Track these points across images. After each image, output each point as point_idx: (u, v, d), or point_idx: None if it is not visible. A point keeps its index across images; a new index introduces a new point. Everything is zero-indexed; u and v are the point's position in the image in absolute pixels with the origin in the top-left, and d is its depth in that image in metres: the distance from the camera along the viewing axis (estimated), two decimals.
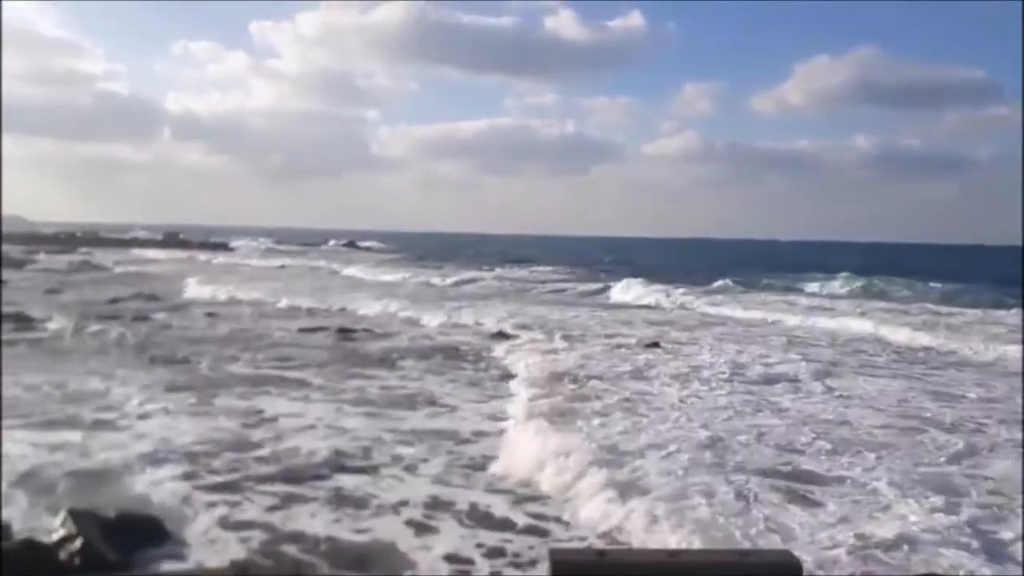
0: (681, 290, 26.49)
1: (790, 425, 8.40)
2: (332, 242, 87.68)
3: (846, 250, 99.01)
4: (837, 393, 10.24)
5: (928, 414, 9.16)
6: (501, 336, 15.44)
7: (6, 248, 54.23)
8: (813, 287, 32.71)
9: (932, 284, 31.68)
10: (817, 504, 6.00)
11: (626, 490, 6.11)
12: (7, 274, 30.44)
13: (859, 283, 32.70)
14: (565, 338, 14.75)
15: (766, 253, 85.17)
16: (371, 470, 6.98)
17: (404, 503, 6.17)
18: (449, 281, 32.38)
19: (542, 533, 5.72)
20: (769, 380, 10.94)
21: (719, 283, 31.65)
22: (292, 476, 6.75)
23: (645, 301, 24.46)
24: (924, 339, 15.77)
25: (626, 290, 27.10)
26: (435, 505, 6.15)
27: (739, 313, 20.99)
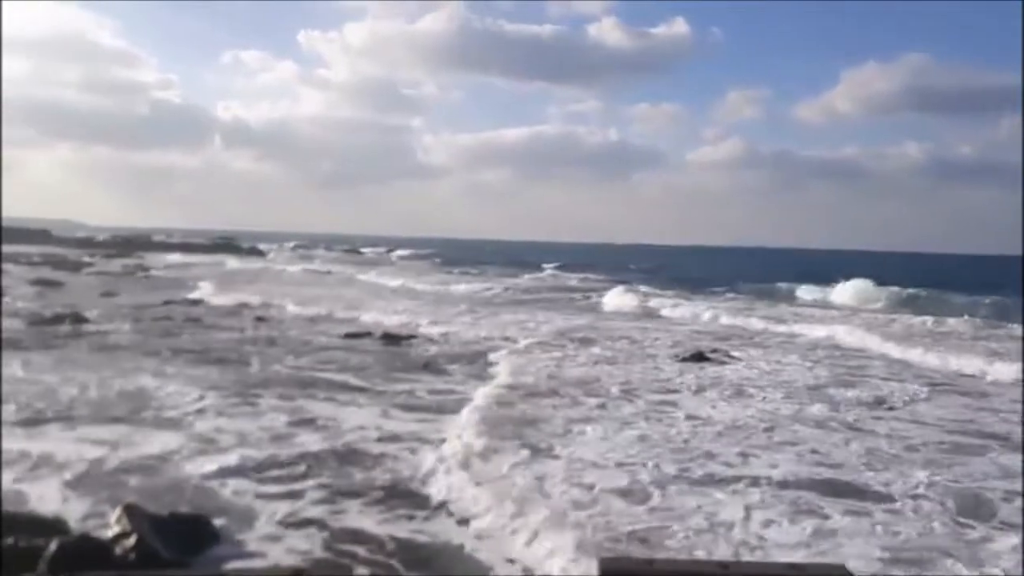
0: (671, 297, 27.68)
1: None
2: (368, 250, 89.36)
3: (892, 260, 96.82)
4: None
5: None
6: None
7: (64, 251, 56.11)
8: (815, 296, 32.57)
9: (975, 297, 30.24)
10: None
11: None
12: (65, 277, 31.48)
13: (875, 293, 31.77)
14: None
15: (803, 261, 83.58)
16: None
17: None
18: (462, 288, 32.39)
19: None
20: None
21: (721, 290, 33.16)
22: (343, 475, 6.83)
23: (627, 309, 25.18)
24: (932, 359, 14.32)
25: (615, 297, 28.04)
26: None
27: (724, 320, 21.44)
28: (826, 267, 64.13)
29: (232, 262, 51.13)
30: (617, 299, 27.46)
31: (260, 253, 71.19)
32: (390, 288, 31.80)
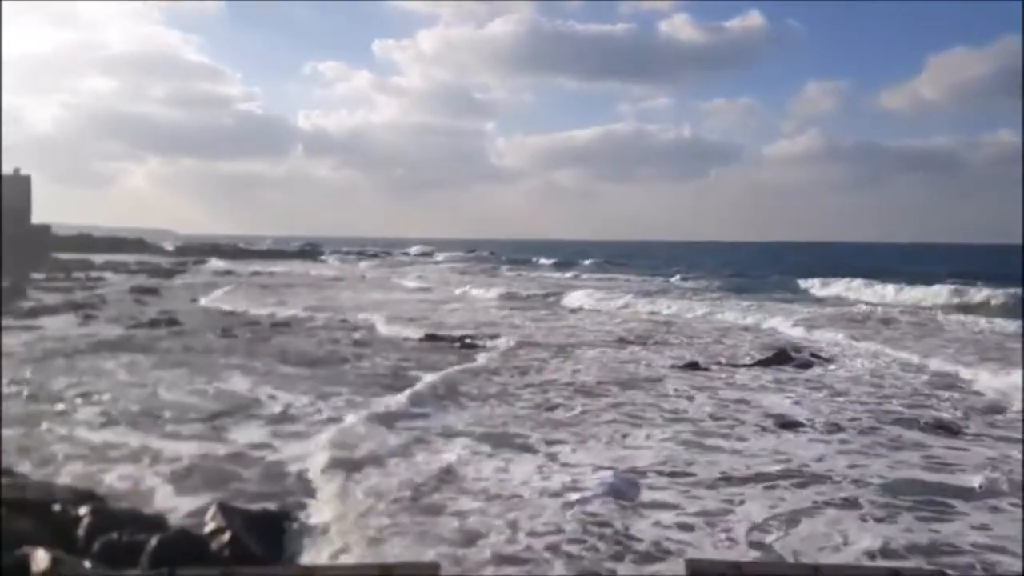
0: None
1: None
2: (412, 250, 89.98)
3: (980, 252, 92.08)
4: None
5: None
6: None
7: (158, 259, 58.82)
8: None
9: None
10: None
11: None
12: (159, 282, 33.06)
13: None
14: None
15: (883, 256, 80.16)
16: None
17: None
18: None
19: None
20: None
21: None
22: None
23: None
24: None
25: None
26: None
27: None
28: (896, 262, 61.72)
29: (324, 270, 52.18)
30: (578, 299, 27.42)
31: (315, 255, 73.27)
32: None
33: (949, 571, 4.69)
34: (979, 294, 27.17)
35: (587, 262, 63.78)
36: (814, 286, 34.91)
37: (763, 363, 13.16)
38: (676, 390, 10.95)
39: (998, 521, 5.95)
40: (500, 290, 30.40)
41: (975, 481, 6.84)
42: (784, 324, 19.14)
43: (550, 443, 8.05)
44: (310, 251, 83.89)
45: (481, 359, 13.46)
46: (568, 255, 76.74)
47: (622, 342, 16.12)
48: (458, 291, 31.16)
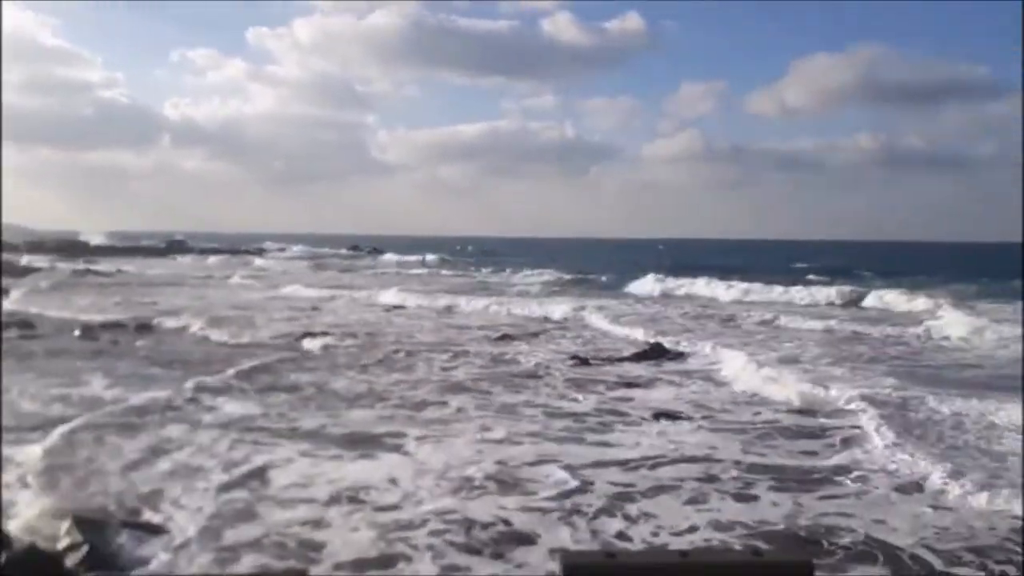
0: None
1: None
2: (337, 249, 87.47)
3: (841, 249, 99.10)
4: None
5: None
6: None
7: (7, 256, 54.04)
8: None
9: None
10: None
11: None
12: (7, 281, 30.54)
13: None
14: None
15: (752, 253, 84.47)
16: None
17: None
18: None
19: None
20: None
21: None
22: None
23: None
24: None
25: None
26: None
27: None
28: (768, 259, 65.38)
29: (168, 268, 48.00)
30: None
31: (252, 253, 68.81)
32: None
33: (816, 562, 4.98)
34: (819, 292, 27.72)
35: (430, 257, 63.12)
36: (651, 284, 33.60)
37: (639, 357, 13.61)
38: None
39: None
40: (325, 289, 29.18)
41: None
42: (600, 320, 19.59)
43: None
44: (176, 247, 78.35)
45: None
46: (431, 249, 76.90)
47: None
48: (287, 289, 29.44)
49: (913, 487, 6.72)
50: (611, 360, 13.55)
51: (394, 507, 6.14)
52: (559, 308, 21.56)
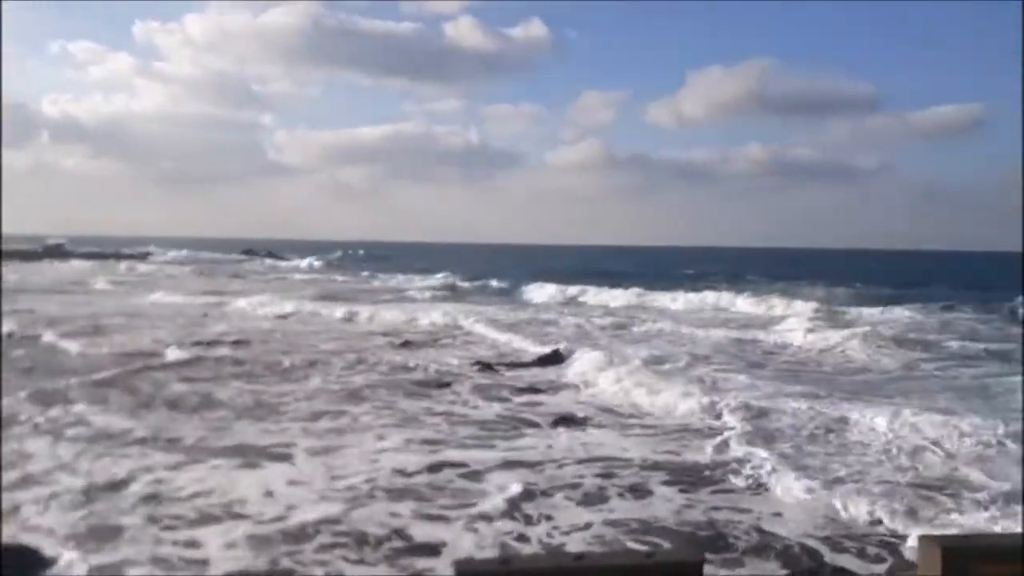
0: None
1: None
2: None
3: (735, 255, 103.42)
4: None
5: None
6: None
7: None
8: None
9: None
10: None
11: None
12: None
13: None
14: None
15: (653, 259, 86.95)
16: None
17: None
18: None
19: None
20: None
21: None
22: None
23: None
24: None
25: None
26: None
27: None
28: (667, 265, 67.44)
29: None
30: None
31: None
32: None
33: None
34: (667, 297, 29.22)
35: (316, 263, 61.72)
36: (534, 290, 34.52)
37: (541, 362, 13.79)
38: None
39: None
40: (205, 296, 28.36)
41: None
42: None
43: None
44: (54, 251, 72.74)
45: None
46: (330, 253, 75.61)
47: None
48: (159, 296, 28.09)
49: (762, 486, 7.01)
50: (512, 366, 13.56)
51: (278, 519, 5.89)
52: (448, 314, 21.35)
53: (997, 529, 5.76)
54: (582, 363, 13.23)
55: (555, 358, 13.99)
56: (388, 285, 38.94)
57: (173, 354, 14.00)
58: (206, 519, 5.92)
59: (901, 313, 24.34)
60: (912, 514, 6.09)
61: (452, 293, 33.25)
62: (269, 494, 6.51)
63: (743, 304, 26.53)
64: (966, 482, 6.93)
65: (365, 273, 47.63)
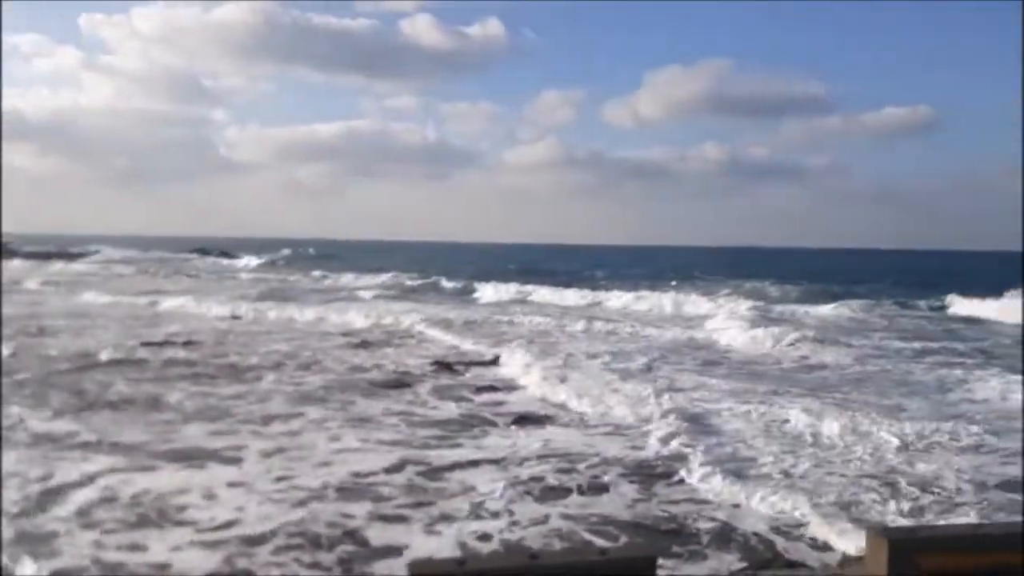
0: None
1: None
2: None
3: (687, 254, 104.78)
4: None
5: None
6: None
7: None
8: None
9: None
10: None
11: None
12: None
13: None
14: None
15: (610, 258, 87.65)
16: None
17: None
18: None
19: None
20: None
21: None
22: None
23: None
24: None
25: None
26: None
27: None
28: (618, 265, 68.12)
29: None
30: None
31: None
32: None
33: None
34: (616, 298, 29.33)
35: (254, 261, 60.47)
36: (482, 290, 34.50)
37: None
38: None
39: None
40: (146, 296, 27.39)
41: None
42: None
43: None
44: None
45: None
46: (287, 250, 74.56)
47: None
48: (86, 296, 27.29)
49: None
50: (467, 365, 13.52)
51: (228, 524, 5.76)
52: (392, 313, 21.20)
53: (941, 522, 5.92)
54: (512, 365, 13.21)
55: (492, 361, 13.88)
56: (335, 284, 38.49)
57: (106, 355, 13.54)
58: (151, 523, 5.77)
59: (839, 310, 25.25)
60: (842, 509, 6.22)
61: (401, 292, 33.02)
62: (216, 497, 6.36)
63: (688, 302, 27.04)
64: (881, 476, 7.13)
65: (316, 272, 46.80)
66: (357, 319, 20.32)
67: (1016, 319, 22.33)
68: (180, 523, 5.80)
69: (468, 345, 16.02)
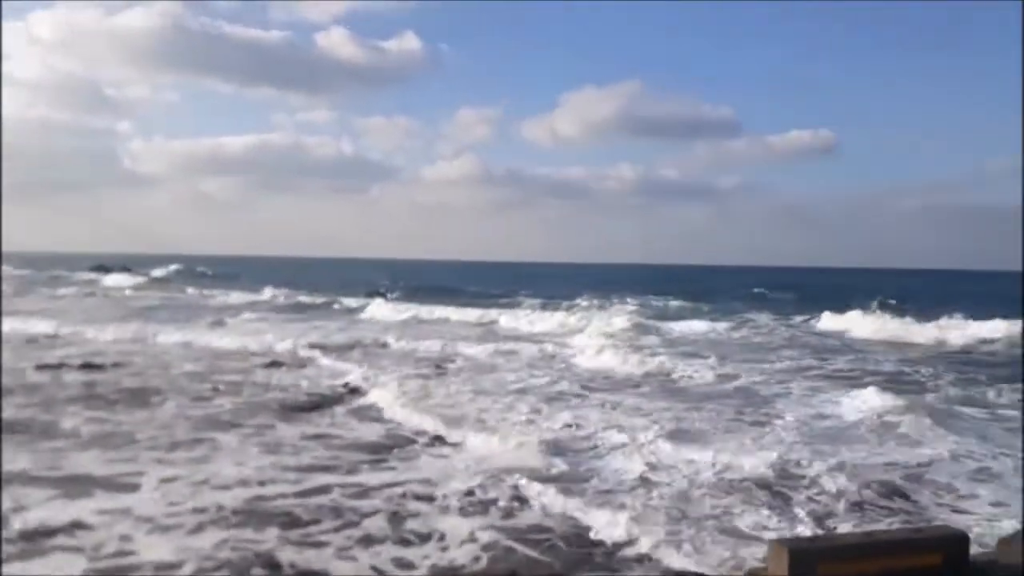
0: None
1: None
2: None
3: (599, 272, 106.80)
4: None
5: None
6: None
7: None
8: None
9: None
10: None
11: None
12: None
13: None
14: None
15: (523, 275, 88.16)
16: None
17: None
18: None
19: None
20: None
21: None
22: None
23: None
24: None
25: None
26: None
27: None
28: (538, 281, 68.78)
29: None
30: None
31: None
32: None
33: None
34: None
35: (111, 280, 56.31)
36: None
37: None
38: None
39: None
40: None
41: None
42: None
43: None
44: None
45: None
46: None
47: None
48: None
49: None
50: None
51: (122, 554, 5.49)
52: (260, 332, 21.02)
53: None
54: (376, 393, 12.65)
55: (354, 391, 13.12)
56: (213, 303, 37.42)
57: None
58: (43, 552, 5.43)
59: (698, 326, 27.21)
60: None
61: (277, 311, 32.87)
62: (111, 525, 6.08)
63: (571, 319, 28.53)
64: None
65: (191, 290, 45.34)
66: (221, 341, 19.77)
67: (863, 333, 25.74)
68: (73, 550, 5.52)
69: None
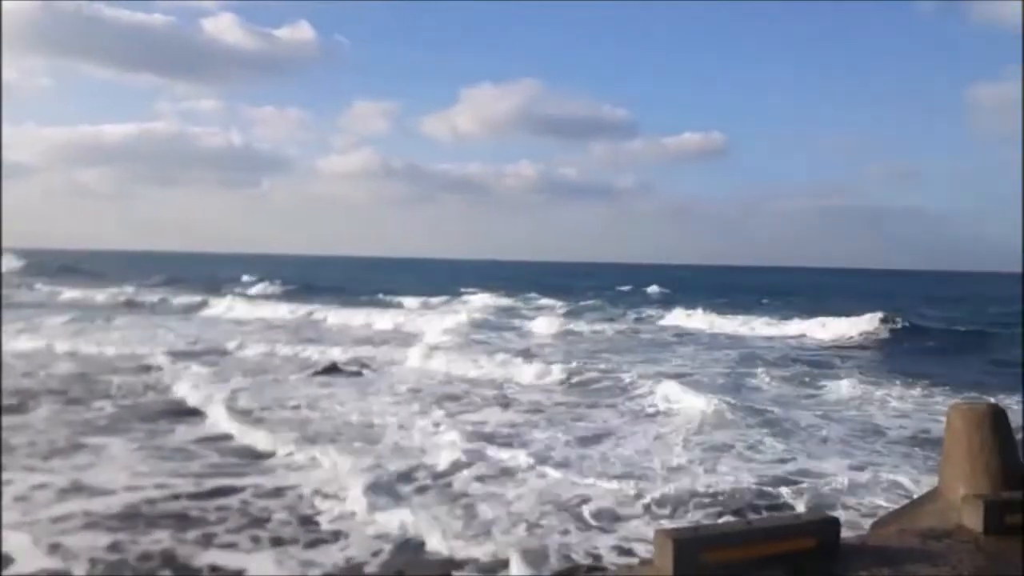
0: None
1: None
2: None
3: (497, 269, 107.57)
4: None
5: None
6: None
7: None
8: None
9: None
10: None
11: None
12: None
13: None
14: None
15: (416, 271, 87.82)
16: None
17: None
18: None
19: None
20: None
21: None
22: None
23: None
24: None
25: None
26: None
27: None
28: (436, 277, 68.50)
29: None
30: None
31: None
32: None
33: None
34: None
35: None
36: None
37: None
38: None
39: None
40: None
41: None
42: None
43: None
44: None
45: None
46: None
47: None
48: None
49: None
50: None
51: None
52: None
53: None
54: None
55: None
56: (41, 299, 35.60)
57: None
58: None
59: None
60: None
61: (114, 308, 31.94)
62: None
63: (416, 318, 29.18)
64: None
65: (39, 285, 43.17)
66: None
67: (701, 325, 28.33)
68: None
69: None
